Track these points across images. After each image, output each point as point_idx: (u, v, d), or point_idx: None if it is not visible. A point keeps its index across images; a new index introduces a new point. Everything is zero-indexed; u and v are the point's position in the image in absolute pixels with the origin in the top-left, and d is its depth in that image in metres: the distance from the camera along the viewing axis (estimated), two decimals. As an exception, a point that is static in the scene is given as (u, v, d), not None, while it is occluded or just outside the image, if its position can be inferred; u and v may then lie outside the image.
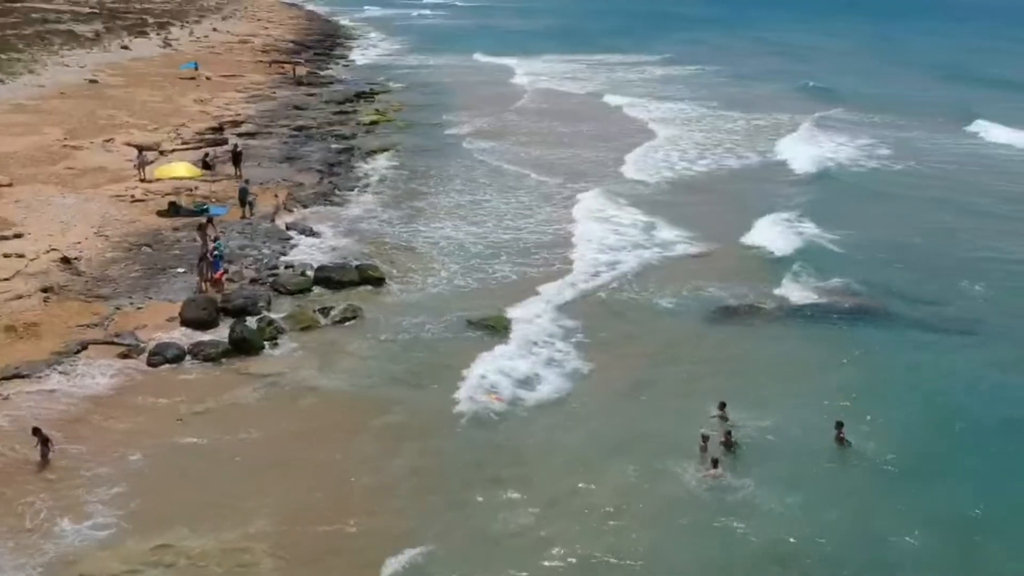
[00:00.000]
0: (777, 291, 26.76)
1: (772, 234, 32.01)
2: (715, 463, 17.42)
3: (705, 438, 18.08)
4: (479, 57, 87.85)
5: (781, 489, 16.95)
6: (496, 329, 23.81)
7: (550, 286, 27.05)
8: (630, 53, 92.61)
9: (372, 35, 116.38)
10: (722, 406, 19.47)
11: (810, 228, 32.72)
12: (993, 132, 49.25)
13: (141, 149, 39.45)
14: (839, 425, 18.55)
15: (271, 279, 26.91)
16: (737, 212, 34.70)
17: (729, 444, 18.16)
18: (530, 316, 24.72)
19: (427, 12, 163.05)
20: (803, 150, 45.61)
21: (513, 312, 24.84)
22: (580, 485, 17.12)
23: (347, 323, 24.15)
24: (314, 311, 24.62)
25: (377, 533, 15.62)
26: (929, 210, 36.03)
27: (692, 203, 36.75)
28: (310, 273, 27.25)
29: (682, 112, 58.39)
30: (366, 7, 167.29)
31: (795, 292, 26.65)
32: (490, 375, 21.04)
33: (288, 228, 32.05)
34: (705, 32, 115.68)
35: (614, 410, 20.11)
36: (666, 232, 32.46)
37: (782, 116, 55.75)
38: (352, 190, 37.87)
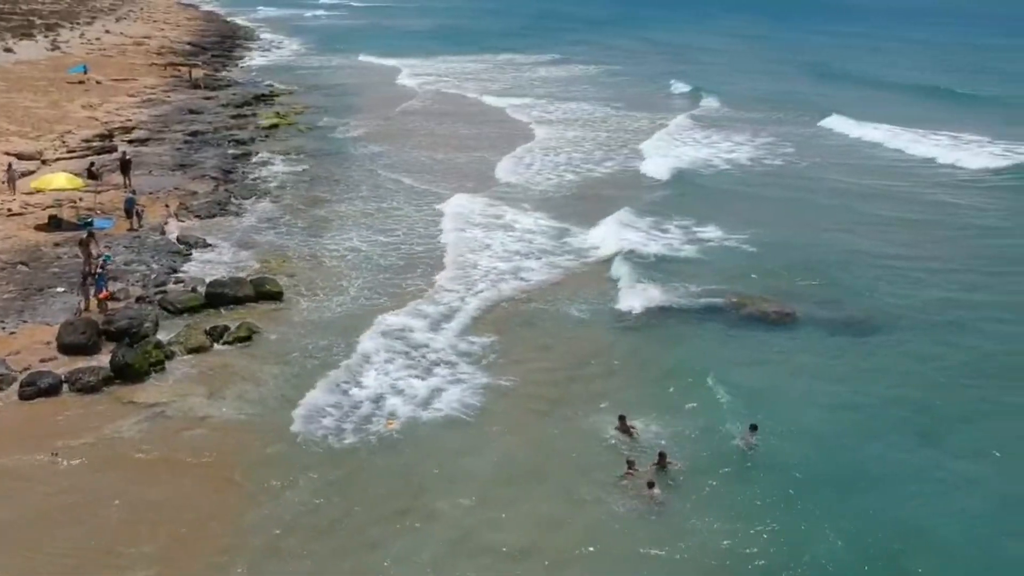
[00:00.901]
0: (683, 294, 26.14)
1: (669, 237, 31.70)
2: (651, 485, 16.59)
3: (631, 463, 17.23)
4: (377, 59, 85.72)
5: (705, 505, 16.37)
6: (406, 335, 22.80)
7: (454, 297, 26.00)
8: (525, 53, 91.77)
9: (271, 36, 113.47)
10: (622, 419, 18.78)
11: (712, 231, 32.17)
12: (844, 126, 52.35)
13: (11, 163, 36.70)
14: (753, 428, 18.21)
15: (159, 297, 25.21)
16: (629, 213, 33.99)
17: (664, 464, 17.30)
18: (435, 329, 23.65)
19: (322, 13, 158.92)
20: (682, 152, 45.60)
21: (416, 325, 23.72)
22: (493, 517, 16.05)
23: (242, 344, 22.66)
24: (206, 331, 23.05)
25: (271, 579, 14.35)
26: (803, 208, 35.86)
27: (590, 206, 35.68)
28: (201, 289, 25.61)
29: (583, 113, 57.76)
30: (260, 8, 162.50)
31: (699, 296, 26.08)
32: (391, 396, 19.92)
33: (179, 241, 30.26)
34: (596, 33, 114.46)
35: (527, 429, 19.11)
36: (572, 237, 31.71)
37: (661, 115, 55.75)
38: (250, 198, 36.16)
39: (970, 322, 24.55)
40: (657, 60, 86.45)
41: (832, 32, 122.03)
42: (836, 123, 53.08)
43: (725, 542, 15.36)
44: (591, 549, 15.24)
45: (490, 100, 62.42)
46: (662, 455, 17.41)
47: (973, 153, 45.28)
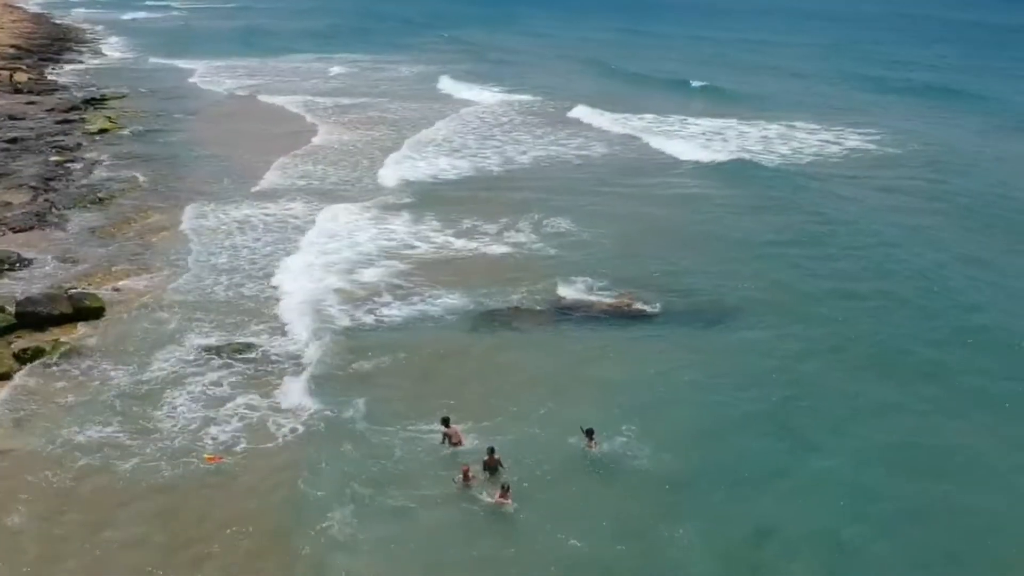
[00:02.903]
0: (541, 293, 25.48)
1: (526, 233, 30.97)
2: (505, 490, 15.93)
3: (466, 474, 16.52)
4: (203, 62, 78.76)
5: (556, 513, 15.77)
6: (237, 356, 21.18)
7: (294, 306, 24.48)
8: (331, 54, 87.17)
9: (100, 38, 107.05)
10: (445, 422, 17.97)
11: (564, 224, 31.71)
12: (588, 117, 53.26)
13: None
14: (589, 433, 17.60)
15: (-39, 320, 22.75)
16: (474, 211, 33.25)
17: (491, 466, 16.70)
18: (272, 342, 22.16)
19: (141, 15, 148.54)
20: (435, 159, 43.31)
21: (256, 340, 22.21)
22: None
23: (55, 368, 20.58)
24: (14, 355, 20.88)
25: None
26: (570, 203, 34.91)
27: (436, 207, 34.21)
28: (11, 308, 23.24)
29: (364, 116, 54.52)
30: (73, 9, 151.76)
31: (556, 294, 25.47)
32: (222, 420, 18.32)
33: (-11, 256, 27.63)
34: (405, 35, 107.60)
35: (375, 451, 17.70)
36: (428, 238, 30.62)
37: (433, 114, 54.40)
38: (72, 208, 33.46)
39: (806, 310, 24.64)
40: (452, 59, 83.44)
41: (629, 30, 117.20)
42: (581, 113, 53.88)
43: (578, 546, 14.85)
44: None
45: (282, 102, 58.93)
46: (491, 450, 16.87)
47: (701, 145, 45.88)
